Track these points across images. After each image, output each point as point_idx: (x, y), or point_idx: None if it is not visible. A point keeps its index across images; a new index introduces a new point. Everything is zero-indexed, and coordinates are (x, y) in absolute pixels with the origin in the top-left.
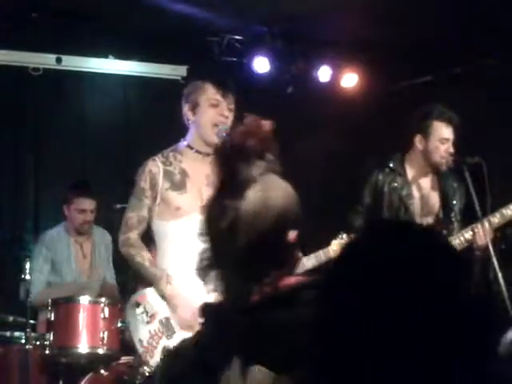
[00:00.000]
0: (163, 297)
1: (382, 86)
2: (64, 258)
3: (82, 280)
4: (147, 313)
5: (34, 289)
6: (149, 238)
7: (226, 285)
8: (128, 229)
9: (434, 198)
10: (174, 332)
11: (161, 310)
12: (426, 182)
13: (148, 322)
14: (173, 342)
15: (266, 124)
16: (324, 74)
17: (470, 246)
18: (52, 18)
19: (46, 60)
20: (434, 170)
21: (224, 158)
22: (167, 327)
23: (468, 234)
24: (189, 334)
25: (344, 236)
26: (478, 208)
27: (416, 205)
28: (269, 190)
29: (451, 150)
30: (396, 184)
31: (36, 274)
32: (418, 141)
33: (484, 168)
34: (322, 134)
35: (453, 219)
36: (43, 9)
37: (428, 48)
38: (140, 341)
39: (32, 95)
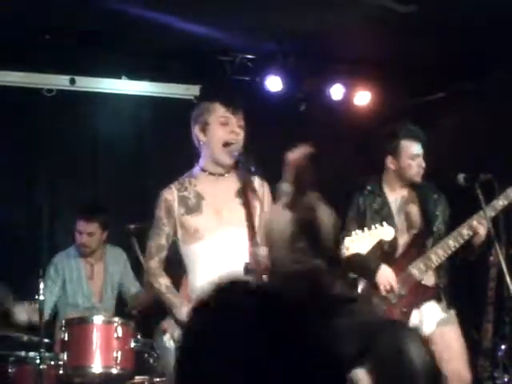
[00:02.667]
0: (180, 323)
1: (395, 104)
2: (74, 279)
3: (94, 301)
4: (174, 339)
5: (46, 309)
6: (178, 264)
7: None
8: (148, 258)
9: (415, 212)
10: None
11: None
12: (405, 198)
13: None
14: None
15: None
16: (337, 92)
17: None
18: (65, 40)
19: (59, 81)
20: (410, 184)
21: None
22: None
23: (465, 230)
24: None
25: (355, 233)
26: (490, 225)
27: (398, 223)
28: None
29: (423, 164)
30: (376, 205)
31: (46, 295)
32: (389, 161)
33: (496, 185)
34: (335, 151)
35: (434, 230)
36: (56, 31)
37: (440, 65)
38: (172, 367)
39: (46, 116)
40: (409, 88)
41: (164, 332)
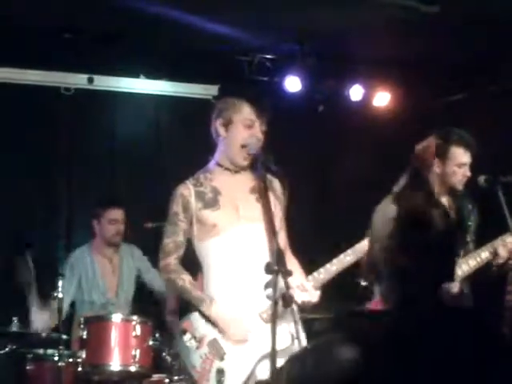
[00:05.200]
0: (208, 319)
1: (415, 105)
2: (89, 276)
3: (109, 297)
4: (195, 338)
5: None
6: (192, 262)
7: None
8: (166, 255)
9: None
10: (225, 352)
11: (208, 332)
12: (443, 204)
13: (197, 348)
14: (225, 364)
15: None
16: (356, 92)
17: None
18: (84, 39)
19: (77, 80)
20: (450, 191)
21: None
22: (217, 349)
23: (500, 244)
24: (240, 350)
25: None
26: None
27: None
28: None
29: (468, 173)
30: None
31: (64, 293)
32: (435, 164)
33: None
34: (353, 152)
35: (468, 240)
36: (75, 30)
37: (461, 65)
38: (193, 366)
39: (63, 115)
40: (429, 89)
41: (184, 332)
